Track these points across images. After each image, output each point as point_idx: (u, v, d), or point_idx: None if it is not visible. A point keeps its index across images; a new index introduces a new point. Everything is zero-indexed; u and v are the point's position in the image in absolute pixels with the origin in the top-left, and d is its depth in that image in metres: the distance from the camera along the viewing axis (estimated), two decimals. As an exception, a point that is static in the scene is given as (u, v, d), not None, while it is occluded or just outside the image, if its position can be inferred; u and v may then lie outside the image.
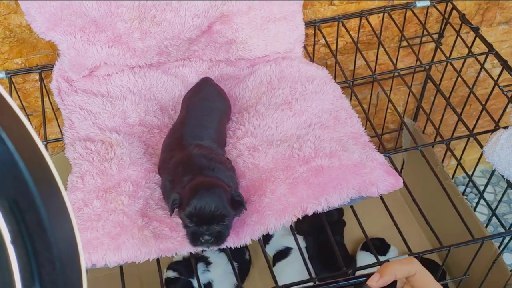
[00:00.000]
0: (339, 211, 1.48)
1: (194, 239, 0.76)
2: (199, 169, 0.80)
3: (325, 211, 0.86)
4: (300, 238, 1.39)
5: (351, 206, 0.91)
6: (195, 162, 0.81)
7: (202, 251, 1.21)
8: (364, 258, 1.37)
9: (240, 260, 1.33)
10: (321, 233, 1.39)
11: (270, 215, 0.83)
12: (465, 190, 1.44)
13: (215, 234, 0.76)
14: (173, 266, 1.30)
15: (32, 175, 0.28)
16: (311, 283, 0.89)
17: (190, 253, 0.81)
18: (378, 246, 1.39)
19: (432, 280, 0.61)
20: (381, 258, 0.92)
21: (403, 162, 1.46)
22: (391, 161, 0.94)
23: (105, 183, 0.81)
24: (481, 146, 0.99)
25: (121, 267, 0.81)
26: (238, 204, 0.78)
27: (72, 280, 0.30)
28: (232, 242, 0.82)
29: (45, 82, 1.06)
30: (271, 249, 1.37)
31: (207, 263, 1.29)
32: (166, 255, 0.78)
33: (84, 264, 0.31)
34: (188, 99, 0.95)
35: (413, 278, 0.59)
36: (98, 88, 0.99)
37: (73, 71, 0.98)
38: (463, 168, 0.99)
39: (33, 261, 0.29)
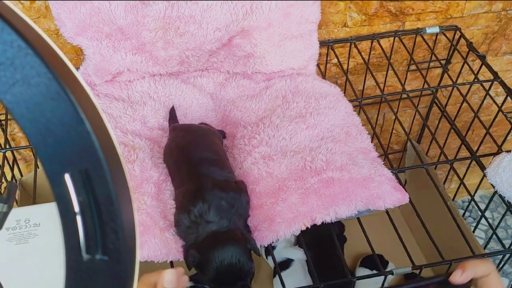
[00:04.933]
0: (340, 226, 1.51)
1: None
2: (218, 221, 0.78)
3: (332, 222, 0.89)
4: (301, 251, 1.42)
5: (359, 220, 0.95)
6: (214, 211, 0.79)
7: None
8: (364, 274, 1.40)
9: None
10: (321, 247, 1.42)
11: (280, 223, 0.87)
12: (464, 213, 1.47)
13: None
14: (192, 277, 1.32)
15: (104, 153, 0.32)
16: None
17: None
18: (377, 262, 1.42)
19: (502, 283, 0.65)
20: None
21: (405, 182, 1.50)
22: (397, 178, 0.97)
23: (128, 183, 0.85)
24: (482, 170, 1.03)
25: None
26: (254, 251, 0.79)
27: (131, 249, 0.33)
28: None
29: (67, 85, 1.09)
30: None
31: None
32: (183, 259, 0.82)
33: (138, 235, 0.35)
34: (177, 144, 0.92)
35: (486, 279, 0.64)
36: (120, 93, 1.03)
37: (97, 76, 1.02)
38: (466, 188, 1.03)
39: (98, 231, 0.32)
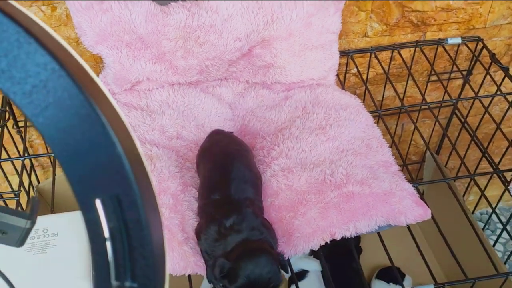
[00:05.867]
0: (356, 238, 1.49)
1: None
2: (249, 231, 0.76)
3: (353, 236, 0.88)
4: (316, 262, 1.41)
5: (378, 233, 0.93)
6: (246, 222, 0.77)
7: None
8: (379, 287, 1.38)
9: None
10: (338, 259, 1.40)
11: (299, 238, 0.86)
12: (484, 226, 1.45)
13: None
14: None
15: (135, 177, 0.31)
16: None
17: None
18: (394, 275, 1.40)
19: None
20: (397, 287, 0.94)
21: (422, 193, 1.48)
22: (418, 191, 0.96)
23: (146, 194, 0.84)
24: (504, 183, 1.02)
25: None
26: (282, 267, 0.77)
27: (161, 275, 0.33)
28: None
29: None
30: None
31: None
32: (201, 273, 0.80)
33: (168, 261, 0.34)
34: (213, 148, 0.91)
35: None
36: (138, 102, 1.03)
37: (116, 84, 1.01)
38: (487, 201, 1.02)
39: (127, 257, 0.31)
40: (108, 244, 0.31)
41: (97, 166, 0.30)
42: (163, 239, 0.33)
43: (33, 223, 0.48)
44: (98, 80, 0.32)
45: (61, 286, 0.77)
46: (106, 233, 0.31)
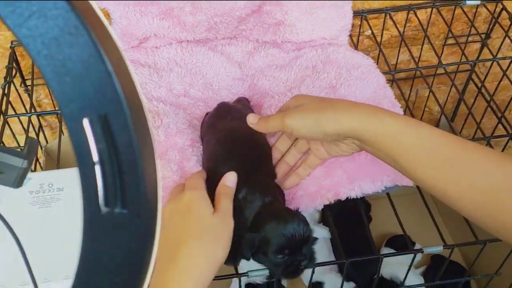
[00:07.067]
0: (366, 206, 1.48)
1: (291, 271, 0.69)
2: (263, 197, 0.73)
3: (358, 198, 0.86)
4: (325, 230, 1.40)
5: (390, 199, 0.91)
6: (258, 190, 0.74)
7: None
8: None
9: None
10: (347, 225, 1.39)
11: (303, 196, 0.84)
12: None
13: (309, 255, 0.70)
14: None
15: (126, 97, 0.29)
16: None
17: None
18: (403, 243, 1.39)
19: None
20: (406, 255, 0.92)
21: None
22: (430, 154, 0.93)
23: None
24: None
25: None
26: None
27: (153, 202, 0.31)
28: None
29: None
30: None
31: None
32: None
33: (161, 188, 0.32)
34: (222, 121, 0.86)
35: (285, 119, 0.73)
36: (146, 59, 1.01)
37: (124, 41, 0.99)
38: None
39: (118, 182, 0.30)
40: (97, 168, 0.30)
41: (85, 82, 0.28)
42: (155, 165, 0.32)
43: (29, 163, 0.47)
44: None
45: (65, 240, 0.77)
46: (95, 157, 0.30)
